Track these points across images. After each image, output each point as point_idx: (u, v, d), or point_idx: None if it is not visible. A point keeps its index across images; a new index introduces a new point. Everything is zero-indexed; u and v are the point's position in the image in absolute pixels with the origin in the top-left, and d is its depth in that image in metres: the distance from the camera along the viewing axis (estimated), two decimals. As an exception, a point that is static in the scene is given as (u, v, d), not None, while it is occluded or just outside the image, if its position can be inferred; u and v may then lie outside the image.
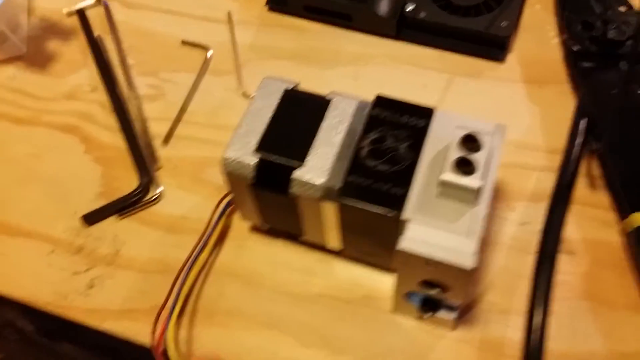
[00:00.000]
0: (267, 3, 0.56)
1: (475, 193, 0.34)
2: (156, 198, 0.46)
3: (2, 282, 0.44)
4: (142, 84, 0.53)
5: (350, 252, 0.42)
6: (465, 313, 0.40)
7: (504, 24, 0.49)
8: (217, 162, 0.48)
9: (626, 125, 0.46)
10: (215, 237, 0.43)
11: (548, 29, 0.53)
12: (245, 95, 0.51)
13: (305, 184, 0.36)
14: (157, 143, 0.49)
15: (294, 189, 0.36)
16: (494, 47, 0.51)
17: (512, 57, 0.51)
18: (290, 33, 0.55)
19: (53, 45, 0.56)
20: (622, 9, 0.49)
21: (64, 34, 0.56)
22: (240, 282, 0.43)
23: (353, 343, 0.40)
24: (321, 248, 0.43)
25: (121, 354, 0.62)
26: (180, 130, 0.50)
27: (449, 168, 0.34)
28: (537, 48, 0.52)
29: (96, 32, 0.55)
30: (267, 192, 0.38)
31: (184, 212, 0.46)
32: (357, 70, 0.52)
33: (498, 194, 0.45)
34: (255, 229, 0.45)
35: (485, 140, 0.35)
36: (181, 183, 0.47)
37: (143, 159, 0.48)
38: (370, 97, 0.39)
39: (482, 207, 0.34)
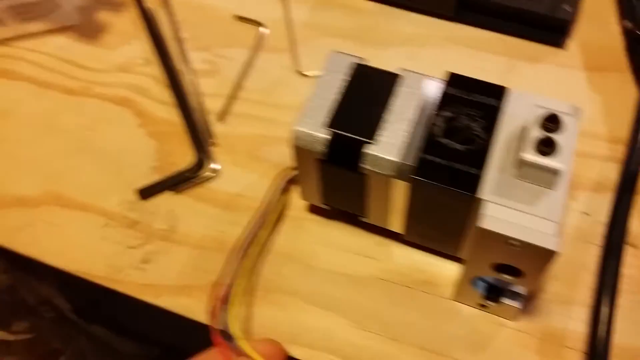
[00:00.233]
0: (324, -20, 0.55)
1: (556, 175, 0.33)
2: (212, 174, 0.46)
3: (55, 255, 0.43)
4: (196, 58, 0.52)
5: (412, 236, 0.41)
6: (527, 303, 0.39)
7: (567, 7, 0.48)
8: (273, 140, 0.48)
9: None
10: (276, 214, 0.43)
11: (609, 14, 0.52)
12: (300, 73, 0.50)
13: (378, 160, 0.35)
14: (211, 119, 0.49)
15: (366, 166, 0.36)
16: (555, 32, 0.50)
17: (572, 43, 0.51)
18: (346, 11, 0.54)
19: (104, 16, 0.55)
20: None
21: (114, 4, 0.56)
22: (297, 263, 0.42)
23: (411, 329, 0.40)
24: (380, 231, 0.42)
25: (150, 337, 0.62)
26: (235, 107, 0.49)
27: (530, 148, 0.33)
28: (599, 34, 0.51)
29: (148, 3, 0.54)
30: (337, 167, 0.37)
31: (239, 190, 0.45)
32: (414, 50, 0.51)
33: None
34: (313, 209, 0.44)
35: (567, 121, 0.34)
36: (236, 160, 0.47)
37: (199, 135, 0.47)
38: (428, 78, 0.38)
39: (562, 190, 0.34)
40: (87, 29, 0.54)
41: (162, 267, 0.43)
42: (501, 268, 0.35)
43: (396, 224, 0.40)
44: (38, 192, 0.46)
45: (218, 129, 0.48)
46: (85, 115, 0.49)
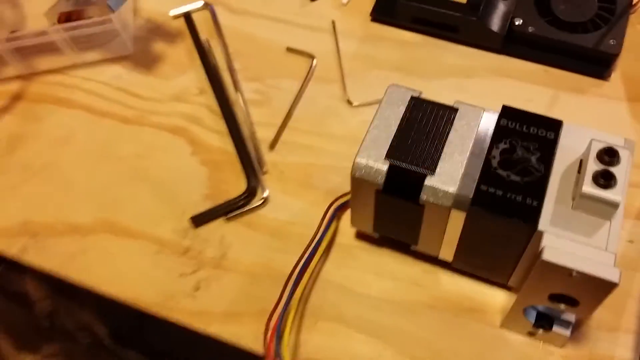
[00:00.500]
0: (371, 14, 0.56)
1: (614, 207, 0.34)
2: (263, 202, 0.47)
3: (107, 283, 0.44)
4: (248, 89, 0.53)
5: (461, 264, 0.42)
6: (574, 330, 0.39)
7: (612, 41, 0.49)
8: (322, 169, 0.49)
9: None
10: (327, 242, 0.43)
11: (652, 47, 0.53)
12: (349, 103, 0.51)
13: (437, 192, 0.36)
14: (262, 148, 0.50)
15: (425, 197, 0.36)
16: (599, 65, 0.51)
17: (615, 75, 0.51)
18: (393, 43, 0.55)
19: (159, 46, 0.57)
20: None
21: (169, 36, 0.57)
22: (345, 290, 0.43)
23: (459, 357, 0.40)
24: (427, 259, 0.43)
25: None
26: (285, 136, 0.50)
27: (589, 180, 0.34)
28: (641, 67, 0.52)
29: (202, 35, 0.56)
30: (395, 198, 0.38)
31: (289, 217, 0.46)
32: (460, 82, 0.52)
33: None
34: (361, 236, 0.45)
35: (623, 154, 0.35)
36: (287, 188, 0.48)
37: (251, 163, 0.48)
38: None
39: (617, 221, 0.34)
40: (143, 59, 0.56)
41: (213, 294, 0.43)
42: (557, 297, 0.36)
43: (447, 252, 0.41)
44: (92, 220, 0.47)
45: (268, 157, 0.49)
46: (140, 143, 0.51)
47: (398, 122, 0.39)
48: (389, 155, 0.37)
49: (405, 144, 0.38)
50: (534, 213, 0.34)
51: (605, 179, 0.34)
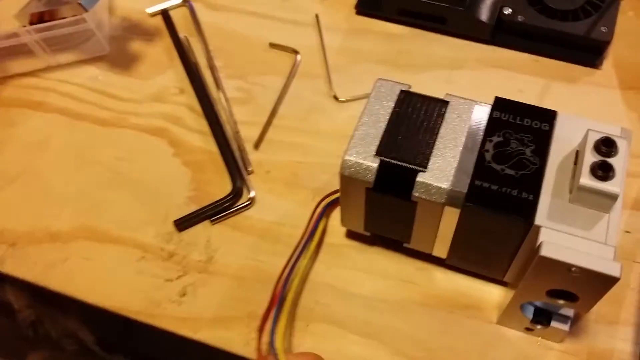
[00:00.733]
0: (356, 6, 0.55)
1: (613, 199, 0.33)
2: (249, 203, 0.45)
3: (89, 291, 0.43)
4: (230, 86, 0.52)
5: (455, 261, 0.41)
6: (572, 325, 0.38)
7: (603, 29, 0.48)
8: (309, 167, 0.48)
9: None
10: (317, 240, 0.42)
11: (643, 33, 0.52)
12: (335, 98, 0.50)
13: (430, 188, 0.35)
14: (247, 147, 0.48)
15: (418, 194, 0.35)
16: (591, 53, 0.50)
17: (607, 63, 0.50)
18: (379, 36, 0.54)
19: (136, 45, 0.55)
20: None
21: (147, 34, 0.56)
22: (337, 291, 0.42)
23: (456, 355, 0.39)
24: (420, 256, 0.42)
25: None
26: (270, 134, 0.49)
27: (586, 172, 0.33)
28: (633, 54, 0.51)
29: (180, 33, 0.55)
30: (387, 196, 0.36)
31: (277, 218, 0.45)
32: (450, 74, 0.51)
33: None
34: (352, 235, 0.44)
35: (620, 145, 0.34)
36: (273, 188, 0.46)
37: (236, 163, 0.47)
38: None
39: (616, 213, 0.33)
40: (120, 59, 0.54)
41: (201, 299, 0.42)
42: (556, 293, 0.34)
43: (440, 249, 0.40)
44: (71, 227, 0.45)
45: (253, 156, 0.48)
46: (119, 146, 0.49)
47: (387, 117, 0.37)
48: (379, 152, 0.36)
49: (396, 140, 0.36)
50: (530, 207, 0.33)
51: (603, 171, 0.32)
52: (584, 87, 0.49)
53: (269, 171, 0.47)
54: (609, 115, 0.48)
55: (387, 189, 0.36)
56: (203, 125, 0.49)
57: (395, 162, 0.36)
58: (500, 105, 0.37)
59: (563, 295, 0.34)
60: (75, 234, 0.45)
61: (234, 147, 0.48)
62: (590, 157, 0.33)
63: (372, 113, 0.38)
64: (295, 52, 0.53)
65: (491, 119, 0.37)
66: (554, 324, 0.37)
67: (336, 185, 0.39)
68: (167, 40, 0.55)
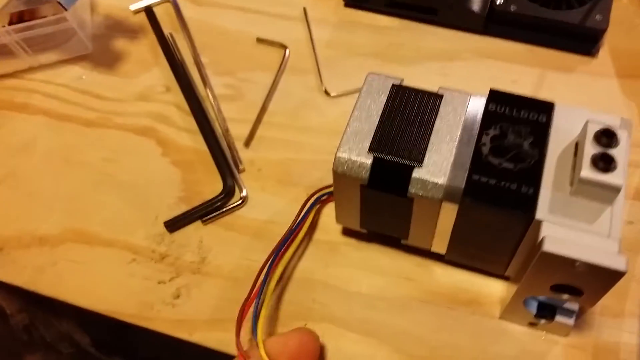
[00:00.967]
0: (344, -2, 0.54)
1: (617, 191, 0.32)
2: (241, 202, 0.44)
3: (80, 295, 0.42)
4: (218, 83, 0.50)
5: (455, 256, 0.40)
6: (577, 318, 0.38)
7: (598, 17, 0.47)
8: (301, 164, 0.47)
9: None
10: (303, 232, 0.41)
11: (637, 22, 0.51)
12: (326, 93, 0.49)
13: (426, 184, 0.34)
14: (238, 145, 0.47)
15: (414, 190, 0.34)
16: (586, 41, 0.49)
17: (603, 52, 0.50)
18: (369, 29, 0.53)
19: (120, 44, 0.54)
20: None
21: (130, 32, 0.54)
22: (334, 289, 0.41)
23: (459, 352, 0.38)
24: (419, 252, 0.41)
25: None
26: (261, 131, 0.48)
27: (587, 164, 0.32)
28: (628, 42, 0.50)
29: (165, 30, 0.53)
30: (382, 193, 0.35)
31: (270, 216, 0.44)
32: (443, 66, 0.50)
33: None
34: (348, 232, 0.43)
35: (621, 135, 0.33)
36: (265, 186, 0.45)
37: (226, 162, 0.45)
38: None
39: (620, 205, 0.32)
40: (103, 58, 0.53)
41: (195, 301, 0.41)
42: (560, 288, 0.34)
43: (439, 245, 0.39)
44: (60, 230, 0.44)
45: (244, 154, 0.47)
46: (106, 147, 0.48)
47: (380, 112, 0.36)
48: (372, 148, 0.35)
49: (389, 135, 0.35)
50: (531, 201, 0.32)
51: (604, 162, 0.31)
52: (581, 76, 0.49)
53: (261, 169, 0.46)
54: (607, 104, 0.47)
55: (382, 186, 0.35)
56: (191, 123, 0.48)
57: (389, 158, 0.35)
58: (496, 97, 0.36)
59: (567, 290, 0.33)
60: (64, 237, 0.44)
61: (224, 145, 0.47)
62: (590, 149, 0.32)
63: (363, 108, 0.37)
64: (284, 47, 0.51)
65: (487, 112, 0.35)
66: (558, 318, 0.37)
67: (329, 182, 0.38)
68: (151, 38, 0.53)
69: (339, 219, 0.41)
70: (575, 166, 0.33)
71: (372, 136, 0.35)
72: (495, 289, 0.40)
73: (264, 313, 0.36)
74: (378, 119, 0.36)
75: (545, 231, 0.31)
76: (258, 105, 0.49)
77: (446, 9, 0.50)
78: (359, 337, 0.39)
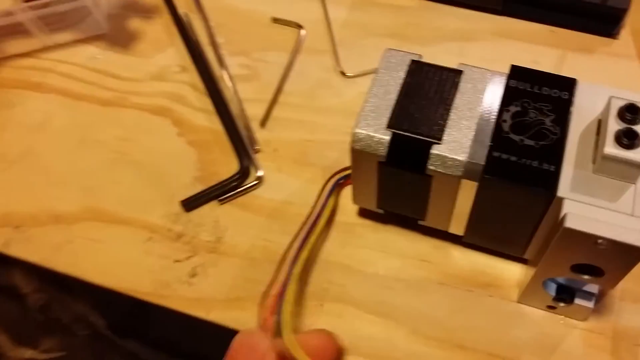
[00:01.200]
0: (361, -23, 0.53)
1: (639, 168, 0.31)
2: (257, 182, 0.44)
3: (97, 273, 0.41)
4: (234, 63, 0.50)
5: (473, 237, 0.39)
6: (596, 302, 0.37)
7: (620, -4, 0.46)
8: (317, 144, 0.47)
9: None
10: (326, 217, 0.40)
11: (661, 1, 0.50)
12: (342, 73, 0.48)
13: (446, 160, 0.33)
14: (253, 125, 0.47)
15: (433, 167, 0.34)
16: (607, 22, 0.48)
17: (625, 32, 0.49)
18: (386, 9, 0.52)
19: (135, 23, 0.53)
20: None
21: (145, 11, 0.54)
22: (351, 270, 0.40)
23: (476, 334, 0.38)
24: (437, 234, 0.40)
25: (185, 351, 0.60)
26: (276, 111, 0.48)
27: (610, 141, 0.31)
28: (651, 22, 0.49)
29: (180, 9, 0.53)
30: (400, 170, 0.35)
31: (286, 197, 0.43)
32: (461, 46, 0.49)
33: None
34: (364, 213, 0.42)
35: (644, 111, 0.32)
36: (281, 167, 0.45)
37: (242, 142, 0.45)
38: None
39: (642, 183, 0.32)
40: (119, 38, 0.53)
41: (211, 280, 0.41)
42: (580, 268, 0.33)
43: (457, 226, 0.38)
44: (76, 208, 0.44)
45: (260, 135, 0.46)
46: (122, 126, 0.48)
47: (398, 88, 0.36)
48: (390, 124, 0.34)
49: (408, 111, 0.35)
50: (552, 178, 0.32)
51: (628, 139, 0.31)
52: (602, 58, 0.48)
53: (277, 149, 0.46)
54: (628, 86, 0.46)
55: (401, 163, 0.34)
56: (207, 103, 0.48)
57: (408, 134, 0.34)
58: (517, 73, 0.36)
59: (588, 270, 0.33)
60: (80, 215, 0.44)
61: (240, 125, 0.46)
62: (614, 125, 0.32)
63: (381, 84, 0.36)
64: (300, 26, 0.51)
65: (508, 88, 0.35)
66: (577, 301, 0.36)
67: (346, 163, 0.37)
68: (166, 18, 0.53)
69: (356, 199, 0.41)
70: (598, 143, 0.32)
71: (390, 112, 0.35)
72: (513, 272, 0.39)
73: (288, 299, 0.36)
74: (396, 95, 0.36)
75: (567, 209, 0.31)
76: (274, 85, 0.49)
77: (465, -13, 0.50)
78: (376, 319, 0.39)
